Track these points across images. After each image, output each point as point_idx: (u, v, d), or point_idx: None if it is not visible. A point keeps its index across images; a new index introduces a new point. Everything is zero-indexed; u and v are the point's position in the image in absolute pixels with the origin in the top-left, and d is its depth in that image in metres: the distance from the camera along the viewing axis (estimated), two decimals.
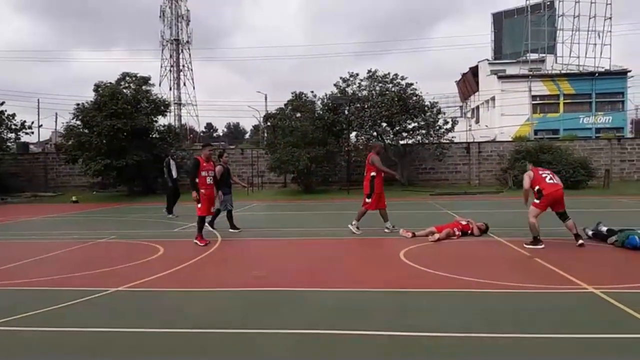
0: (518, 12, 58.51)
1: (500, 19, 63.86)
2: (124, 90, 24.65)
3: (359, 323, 4.44)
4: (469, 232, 9.37)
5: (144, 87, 25.31)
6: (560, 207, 8.16)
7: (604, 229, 8.45)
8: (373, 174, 9.89)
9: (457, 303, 5.09)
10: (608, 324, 4.32)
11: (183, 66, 67.24)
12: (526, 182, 8.20)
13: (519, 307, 4.92)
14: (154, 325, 4.52)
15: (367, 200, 9.91)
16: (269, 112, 28.58)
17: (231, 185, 11.56)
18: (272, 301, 5.23)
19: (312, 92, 25.95)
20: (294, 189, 25.92)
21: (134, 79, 25.53)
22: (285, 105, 25.34)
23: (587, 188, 22.35)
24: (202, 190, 9.06)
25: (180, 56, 67.00)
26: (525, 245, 7.99)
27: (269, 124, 25.82)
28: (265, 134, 30.46)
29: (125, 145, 23.51)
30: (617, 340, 3.92)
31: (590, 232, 8.72)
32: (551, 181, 8.07)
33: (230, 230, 10.69)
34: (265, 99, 53.00)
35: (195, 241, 8.99)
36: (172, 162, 14.52)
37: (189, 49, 67.70)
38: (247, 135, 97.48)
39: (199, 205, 9.07)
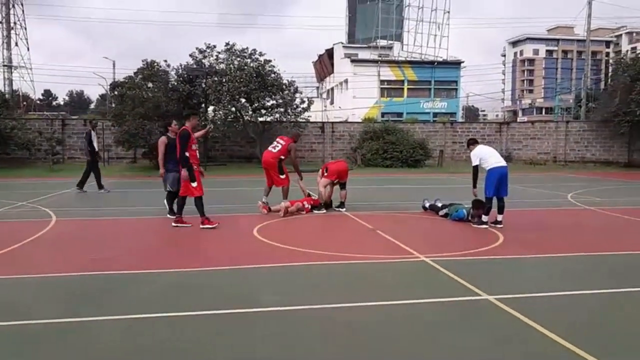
0: None
1: (354, 4, 66.84)
2: None
3: (197, 302, 4.35)
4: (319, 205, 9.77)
5: None
6: (343, 178, 9.69)
7: (439, 203, 9.42)
8: (282, 157, 9.56)
9: (303, 276, 5.27)
10: (436, 288, 4.85)
11: (15, 23, 58.48)
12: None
13: (360, 276, 5.27)
14: None
15: (281, 177, 9.64)
16: (117, 80, 26.33)
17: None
18: (108, 286, 4.87)
19: (166, 61, 24.43)
20: (144, 164, 24.38)
21: None
22: (135, 73, 23.47)
23: (424, 166, 24.79)
24: (195, 167, 7.98)
25: (11, 12, 58.12)
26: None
27: (116, 93, 23.80)
28: (113, 104, 28.06)
29: None
30: (444, 303, 4.41)
31: (427, 205, 9.65)
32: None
33: (169, 215, 8.75)
34: (114, 66, 48.52)
35: (205, 226, 7.84)
36: (93, 134, 13.69)
37: (21, 4, 59.00)
38: (92, 105, 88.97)
39: (194, 185, 7.94)
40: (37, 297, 4.54)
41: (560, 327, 3.69)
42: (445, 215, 8.89)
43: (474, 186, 8.36)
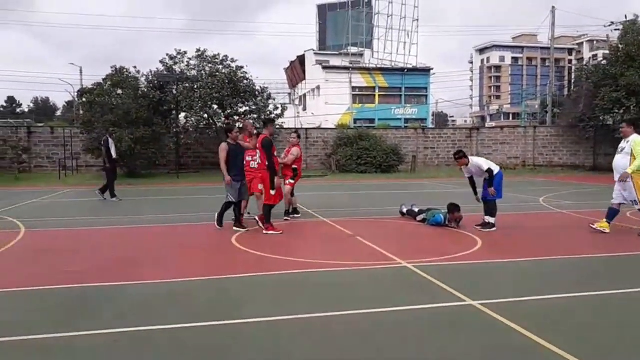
0: (340, 7, 62.29)
1: (324, 11, 67.24)
2: None
3: (178, 314, 4.24)
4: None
5: None
6: None
7: (416, 208, 9.49)
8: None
9: (284, 284, 5.20)
10: (420, 295, 4.85)
11: None
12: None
13: (340, 283, 5.23)
14: None
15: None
16: (85, 86, 25.70)
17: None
18: (85, 299, 4.69)
19: (135, 67, 24.03)
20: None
21: None
22: (104, 80, 22.96)
23: (397, 172, 25.01)
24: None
25: None
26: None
27: (84, 100, 23.20)
28: (81, 111, 27.35)
29: None
30: (429, 309, 4.41)
31: (405, 210, 9.71)
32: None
33: (218, 227, 8.37)
34: (81, 72, 47.19)
35: (269, 232, 7.80)
36: (110, 141, 13.54)
37: None
38: (58, 112, 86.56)
39: (273, 192, 7.84)
40: (8, 312, 4.32)
41: (547, 332, 3.73)
42: (423, 221, 8.95)
43: (476, 193, 8.62)
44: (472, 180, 8.69)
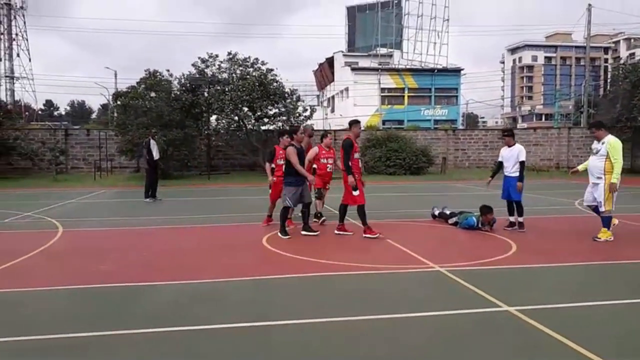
0: (370, 8, 62.11)
1: (353, 13, 67.16)
2: None
3: (212, 314, 4.29)
4: None
5: None
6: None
7: (448, 211, 9.37)
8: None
9: (318, 287, 5.20)
10: (455, 300, 4.77)
11: (16, 34, 58.79)
12: None
13: (376, 287, 5.19)
14: None
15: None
16: (120, 90, 26.33)
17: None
18: (120, 297, 4.80)
19: (168, 70, 24.50)
20: None
21: None
22: (137, 83, 23.48)
23: (427, 174, 24.73)
24: (357, 176, 7.80)
25: (13, 23, 58.44)
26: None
27: (119, 102, 23.79)
28: (115, 114, 28.04)
29: None
30: (465, 315, 4.34)
31: (437, 212, 9.60)
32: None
33: (282, 236, 7.84)
34: (115, 76, 48.40)
35: (366, 235, 7.69)
36: (152, 142, 13.68)
37: (23, 15, 59.35)
38: (94, 115, 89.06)
39: (356, 193, 7.70)
40: (48, 310, 4.47)
41: (586, 339, 3.62)
42: (455, 224, 8.82)
43: (492, 177, 9.10)
44: (499, 166, 8.80)
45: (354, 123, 8.22)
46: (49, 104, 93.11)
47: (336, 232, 8.04)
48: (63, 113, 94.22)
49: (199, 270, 5.87)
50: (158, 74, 23.81)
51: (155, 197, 13.43)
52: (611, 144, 7.37)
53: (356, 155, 7.84)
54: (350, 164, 7.66)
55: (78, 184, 19.20)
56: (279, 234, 7.86)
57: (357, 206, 7.79)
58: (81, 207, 12.40)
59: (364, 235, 7.70)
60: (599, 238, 7.43)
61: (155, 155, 13.65)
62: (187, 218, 10.25)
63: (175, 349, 3.60)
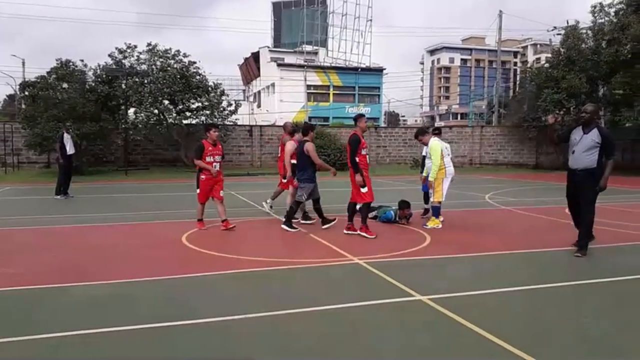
0: (295, 4, 62.17)
1: (279, 9, 66.95)
2: None
3: (127, 316, 4.17)
4: None
5: None
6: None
7: None
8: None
9: (236, 283, 5.19)
10: (372, 291, 4.96)
11: None
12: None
13: (296, 280, 5.28)
14: None
15: (283, 180, 9.45)
16: (28, 79, 24.46)
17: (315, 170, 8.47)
18: (26, 302, 4.52)
19: (82, 60, 23.10)
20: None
21: None
22: (48, 73, 21.96)
23: None
24: (365, 172, 7.47)
25: None
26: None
27: (26, 93, 22.14)
28: (23, 106, 26.02)
29: None
30: (380, 305, 4.52)
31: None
32: None
33: (288, 228, 8.04)
34: (23, 64, 44.71)
35: (362, 233, 7.44)
36: (66, 136, 12.99)
37: None
38: None
39: (365, 190, 7.44)
40: None
41: (495, 325, 3.90)
42: (375, 217, 9.12)
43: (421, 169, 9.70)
44: (424, 160, 9.23)
45: (360, 117, 7.81)
46: None
47: (345, 231, 7.76)
48: None
49: (117, 270, 5.64)
50: (71, 63, 22.41)
51: (67, 193, 12.69)
52: (430, 147, 8.42)
53: (364, 151, 7.56)
54: (357, 160, 7.44)
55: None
56: (284, 225, 8.05)
57: (362, 203, 7.62)
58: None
59: (359, 232, 7.55)
60: (427, 225, 8.37)
61: (69, 149, 12.91)
62: (101, 216, 9.79)
63: (76, 353, 3.46)
